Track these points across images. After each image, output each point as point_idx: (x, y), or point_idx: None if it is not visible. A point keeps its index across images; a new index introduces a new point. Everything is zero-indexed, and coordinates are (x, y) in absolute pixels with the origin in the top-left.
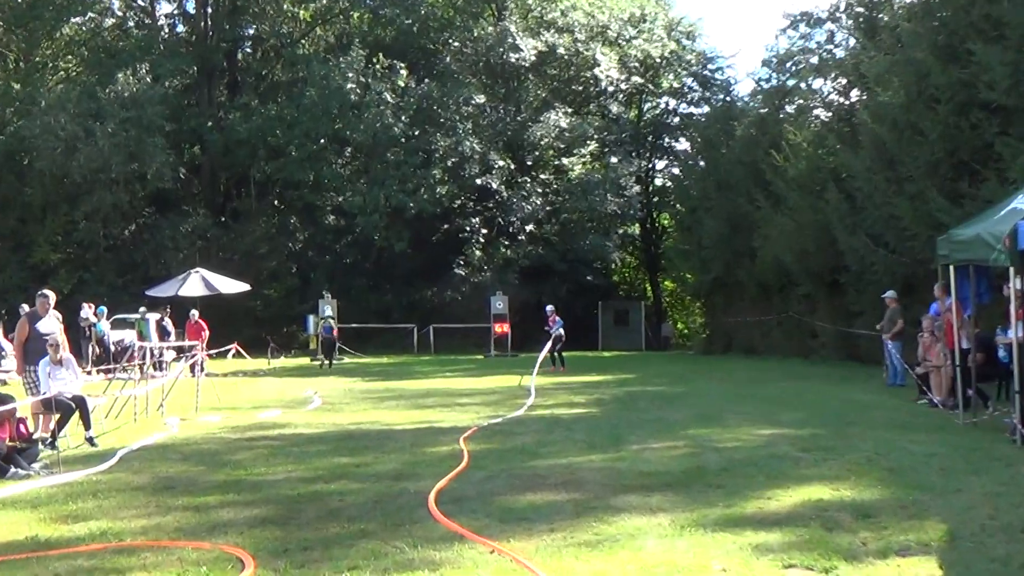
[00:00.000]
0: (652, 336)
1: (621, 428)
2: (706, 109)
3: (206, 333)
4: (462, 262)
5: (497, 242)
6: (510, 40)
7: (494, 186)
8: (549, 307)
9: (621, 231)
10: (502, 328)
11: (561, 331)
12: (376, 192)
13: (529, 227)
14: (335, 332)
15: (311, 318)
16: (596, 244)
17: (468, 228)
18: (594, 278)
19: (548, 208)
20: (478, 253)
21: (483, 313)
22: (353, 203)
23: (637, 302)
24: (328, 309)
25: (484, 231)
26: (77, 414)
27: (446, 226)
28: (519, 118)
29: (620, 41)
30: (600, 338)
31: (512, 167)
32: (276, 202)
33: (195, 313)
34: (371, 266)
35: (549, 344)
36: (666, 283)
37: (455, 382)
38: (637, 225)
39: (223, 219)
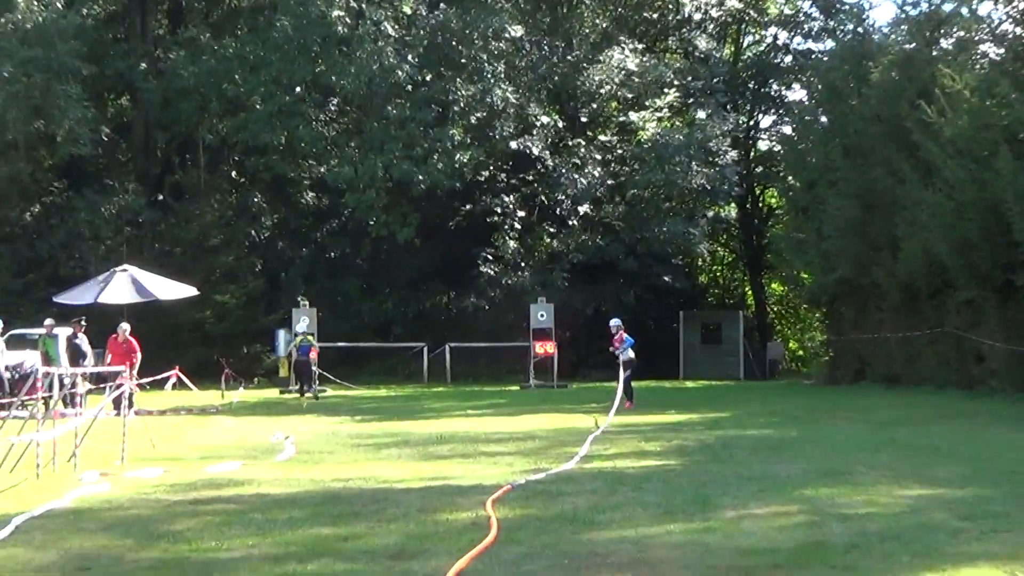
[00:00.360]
0: (754, 360)
1: (710, 487)
2: (830, 45)
3: (137, 356)
4: (491, 257)
5: (539, 229)
6: None
7: (535, 151)
8: (615, 321)
9: (711, 213)
10: (546, 348)
11: (631, 353)
12: (372, 160)
13: (584, 208)
14: (314, 353)
15: (281, 334)
16: (676, 232)
17: (499, 210)
18: (674, 279)
19: (610, 182)
20: (513, 244)
21: (519, 327)
22: (340, 175)
23: (733, 313)
24: (305, 322)
25: (521, 214)
26: None
27: (469, 207)
28: (570, 58)
29: None
30: (682, 362)
31: (560, 125)
32: (234, 174)
33: (124, 328)
34: (365, 262)
35: (624, 372)
36: (773, 286)
37: (480, 423)
38: (734, 206)
39: (161, 197)
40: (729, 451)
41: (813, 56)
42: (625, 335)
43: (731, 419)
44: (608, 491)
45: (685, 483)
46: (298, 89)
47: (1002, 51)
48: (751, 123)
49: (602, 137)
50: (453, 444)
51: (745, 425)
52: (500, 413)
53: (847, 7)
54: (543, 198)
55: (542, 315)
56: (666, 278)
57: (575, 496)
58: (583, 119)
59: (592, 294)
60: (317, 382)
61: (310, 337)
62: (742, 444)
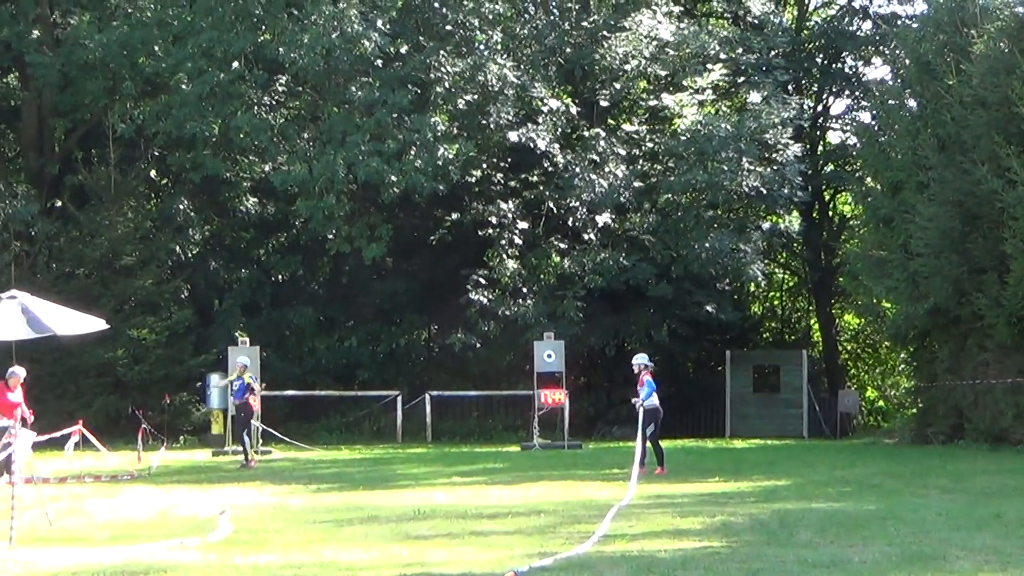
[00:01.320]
0: (821, 412)
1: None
2: (921, 8)
3: (26, 414)
4: (483, 280)
5: (546, 245)
6: None
7: (541, 145)
8: (640, 358)
9: (767, 225)
10: (554, 398)
11: (655, 400)
12: (331, 156)
13: (603, 218)
14: (253, 397)
15: (214, 380)
16: (723, 249)
17: (495, 220)
18: (719, 309)
19: (637, 184)
20: (512, 264)
21: (520, 371)
22: (290, 175)
23: (795, 353)
24: (245, 362)
25: (523, 225)
26: None
27: (455, 216)
28: (586, 24)
29: None
30: (729, 415)
31: (574, 111)
32: (153, 174)
33: (16, 373)
34: (321, 288)
35: (644, 426)
36: (847, 319)
37: (470, 494)
38: (796, 215)
39: (59, 204)
40: (789, 530)
41: (899, 23)
42: (649, 378)
43: (792, 488)
44: None
45: (733, 571)
46: (236, 65)
47: None
48: (819, 108)
49: (627, 127)
50: (435, 521)
51: (809, 496)
52: (495, 481)
53: None
54: (551, 205)
55: (549, 355)
56: (709, 308)
57: None
58: (602, 103)
59: (614, 329)
60: (260, 440)
61: (248, 378)
62: (806, 521)
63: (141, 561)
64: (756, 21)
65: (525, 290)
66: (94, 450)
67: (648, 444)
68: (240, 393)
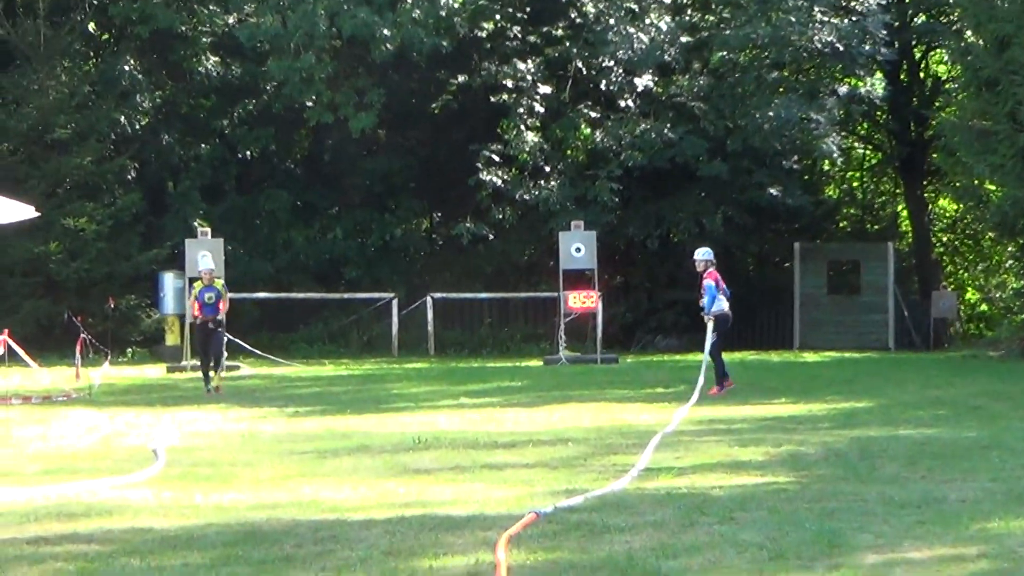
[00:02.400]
0: (910, 318)
1: (842, 518)
2: None
3: None
4: (497, 158)
5: (574, 113)
6: None
7: None
8: (703, 252)
9: (845, 89)
10: (584, 301)
11: (725, 305)
12: (310, 5)
13: (644, 81)
14: (222, 307)
15: (169, 279)
16: (790, 118)
17: (511, 84)
18: (785, 192)
19: (685, 39)
20: (532, 138)
21: (543, 268)
22: (260, 29)
23: (878, 246)
24: (207, 260)
25: (545, 90)
26: None
27: (463, 79)
28: None
29: None
30: (798, 322)
31: None
32: (92, 27)
33: None
34: (299, 167)
35: (711, 336)
36: (942, 203)
37: (482, 419)
38: (880, 77)
39: None
40: (870, 462)
41: None
42: (717, 276)
43: (874, 411)
44: (682, 524)
45: (802, 512)
46: None
47: None
48: None
49: None
50: (439, 451)
51: (896, 421)
52: (513, 403)
53: None
54: (579, 65)
55: (578, 249)
56: (773, 191)
57: (630, 532)
58: None
59: (656, 216)
60: (224, 356)
61: (218, 282)
62: (891, 451)
63: (80, 500)
64: None
65: (548, 169)
66: (22, 365)
67: (712, 358)
68: (211, 309)
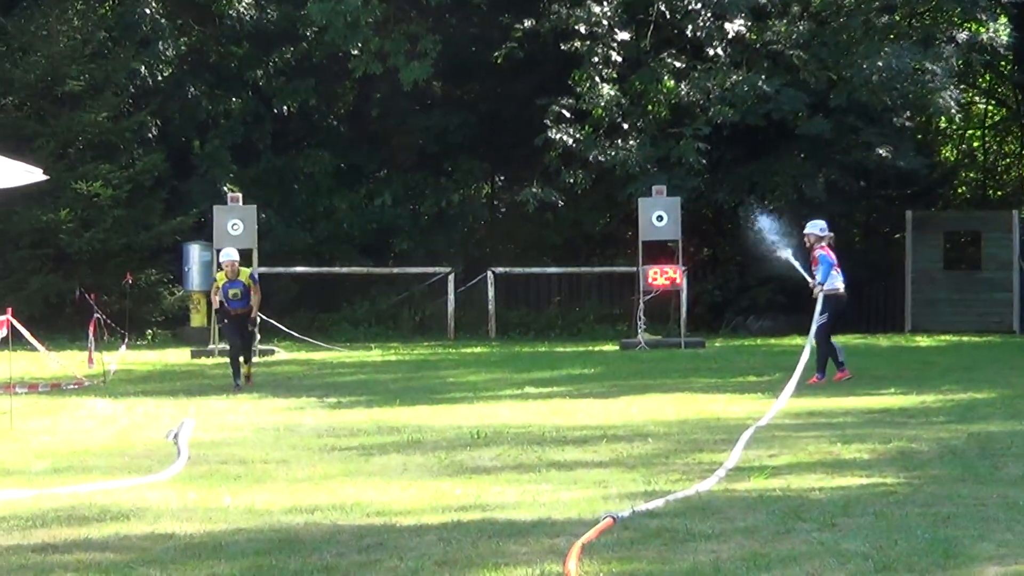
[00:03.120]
0: None
1: (959, 525)
2: None
3: None
4: (568, 113)
5: (656, 63)
6: None
7: None
8: (815, 225)
9: (964, 36)
10: (667, 274)
11: (839, 284)
12: None
13: (735, 26)
14: (255, 299)
15: (195, 252)
16: (900, 69)
17: (583, 29)
18: (896, 154)
19: None
20: (608, 91)
21: (621, 240)
22: None
23: (1002, 214)
24: (237, 230)
25: (623, 36)
26: None
27: (528, 23)
28: None
29: None
30: (909, 301)
31: None
32: None
33: None
34: (343, 124)
35: (819, 317)
36: None
37: (549, 411)
38: (1004, 22)
39: None
40: (992, 461)
41: None
42: (829, 251)
43: (997, 404)
44: (776, 531)
45: (914, 517)
46: None
47: None
48: None
49: None
50: (500, 448)
51: (1022, 415)
52: (584, 393)
53: None
54: (662, 7)
55: (660, 217)
56: (883, 152)
57: (718, 540)
58: None
59: (750, 181)
60: (257, 334)
61: (244, 272)
62: (1016, 448)
63: (93, 502)
64: None
65: (626, 127)
66: (28, 348)
67: (816, 343)
68: (238, 300)
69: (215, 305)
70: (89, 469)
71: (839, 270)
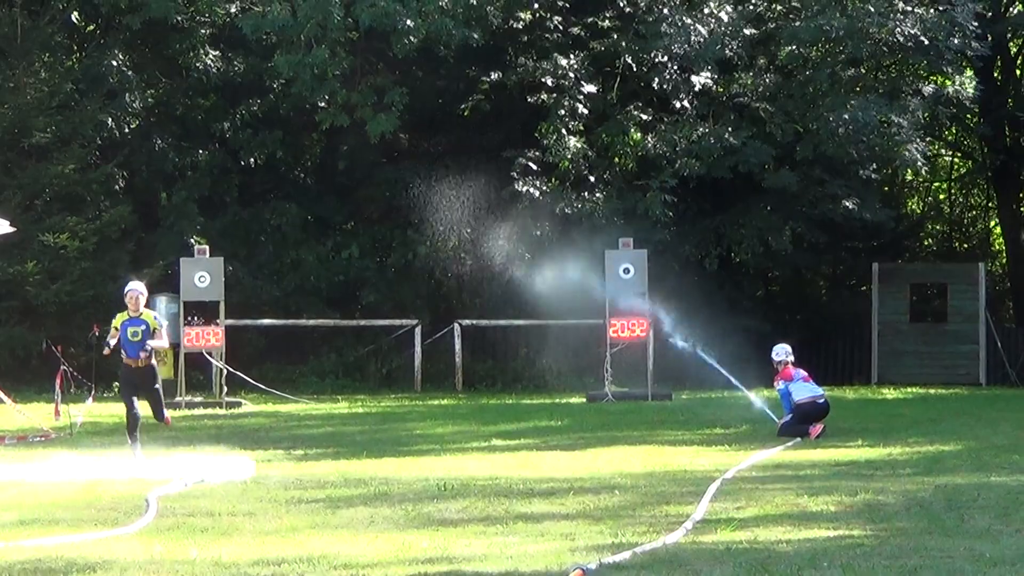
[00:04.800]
0: (1004, 350)
1: None
2: None
3: None
4: (534, 166)
5: (622, 115)
6: None
7: None
8: (780, 350)
9: (930, 89)
10: (633, 329)
11: (807, 395)
12: None
13: (702, 79)
14: (154, 345)
15: (160, 303)
16: (867, 121)
17: (551, 81)
18: (862, 206)
19: (749, 32)
20: (575, 143)
21: (580, 292)
22: (267, 20)
23: (968, 267)
24: (204, 281)
25: (590, 89)
26: None
27: (496, 76)
28: None
29: None
30: (876, 353)
31: None
32: (76, 16)
33: None
34: (311, 177)
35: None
36: None
37: (516, 463)
38: (970, 75)
39: None
40: (959, 513)
41: None
42: (795, 372)
43: (963, 456)
44: None
45: (881, 570)
46: None
47: None
48: None
49: None
50: (468, 500)
51: (987, 467)
52: (551, 445)
53: None
54: (628, 60)
55: (627, 270)
56: (849, 204)
57: None
58: None
59: (716, 233)
60: (224, 387)
61: (147, 313)
62: (982, 501)
63: (60, 555)
64: None
65: (593, 179)
66: None
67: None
68: (141, 345)
69: (106, 351)
70: (55, 522)
71: (809, 380)
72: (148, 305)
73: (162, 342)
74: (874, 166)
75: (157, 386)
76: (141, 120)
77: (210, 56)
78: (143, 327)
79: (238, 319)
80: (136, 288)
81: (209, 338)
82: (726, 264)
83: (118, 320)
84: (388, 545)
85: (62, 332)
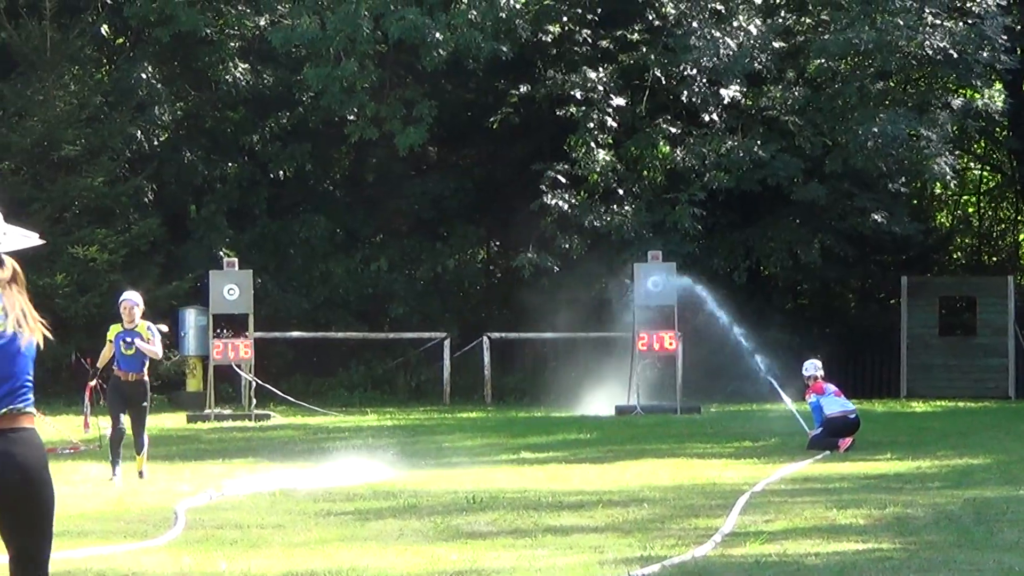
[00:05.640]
0: None
1: None
2: None
3: None
4: (563, 179)
5: (651, 128)
6: None
7: None
8: (810, 364)
9: (960, 102)
10: (663, 342)
11: (837, 410)
12: (352, 6)
13: (731, 92)
14: (150, 346)
15: (191, 317)
16: (896, 135)
17: (580, 95)
18: (891, 219)
19: (778, 45)
20: (604, 156)
21: (610, 305)
22: (295, 32)
23: (997, 280)
24: (237, 295)
25: (619, 102)
26: None
27: (524, 89)
28: None
29: None
30: (905, 366)
31: None
32: (106, 29)
33: None
34: (339, 189)
35: (816, 429)
36: None
37: (545, 476)
38: (999, 88)
39: None
40: (988, 526)
41: None
42: (826, 386)
43: (992, 469)
44: None
45: None
46: None
47: None
48: None
49: None
50: (497, 513)
51: (1017, 480)
52: (580, 458)
53: None
54: (658, 73)
55: (655, 283)
56: (878, 217)
57: None
58: None
59: (745, 246)
60: (253, 400)
61: (142, 325)
62: (1011, 514)
63: (89, 568)
64: None
65: (621, 192)
66: None
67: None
68: (137, 361)
69: (100, 362)
70: (85, 534)
71: (840, 395)
72: (177, 319)
73: (154, 348)
74: (903, 179)
75: (145, 403)
76: (170, 133)
77: (239, 69)
78: (136, 340)
79: (267, 332)
80: (131, 298)
81: (238, 351)
82: (755, 277)
83: (112, 332)
84: (417, 558)
85: (91, 344)
